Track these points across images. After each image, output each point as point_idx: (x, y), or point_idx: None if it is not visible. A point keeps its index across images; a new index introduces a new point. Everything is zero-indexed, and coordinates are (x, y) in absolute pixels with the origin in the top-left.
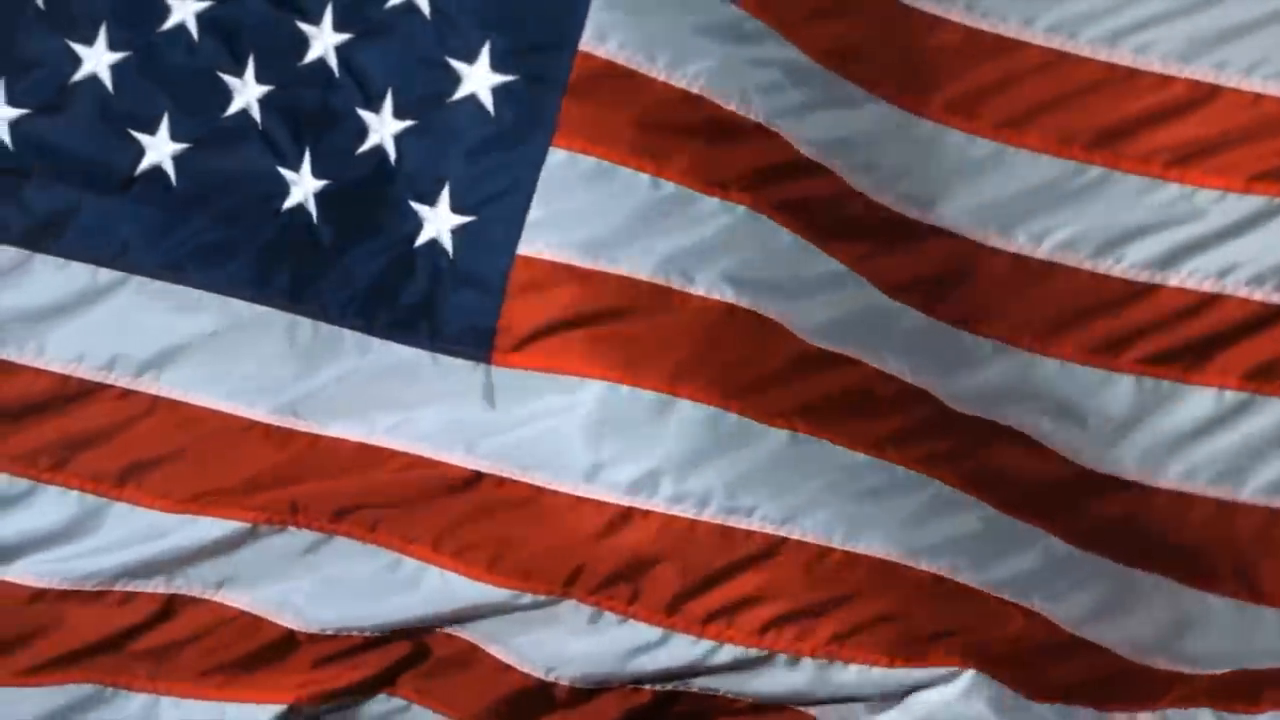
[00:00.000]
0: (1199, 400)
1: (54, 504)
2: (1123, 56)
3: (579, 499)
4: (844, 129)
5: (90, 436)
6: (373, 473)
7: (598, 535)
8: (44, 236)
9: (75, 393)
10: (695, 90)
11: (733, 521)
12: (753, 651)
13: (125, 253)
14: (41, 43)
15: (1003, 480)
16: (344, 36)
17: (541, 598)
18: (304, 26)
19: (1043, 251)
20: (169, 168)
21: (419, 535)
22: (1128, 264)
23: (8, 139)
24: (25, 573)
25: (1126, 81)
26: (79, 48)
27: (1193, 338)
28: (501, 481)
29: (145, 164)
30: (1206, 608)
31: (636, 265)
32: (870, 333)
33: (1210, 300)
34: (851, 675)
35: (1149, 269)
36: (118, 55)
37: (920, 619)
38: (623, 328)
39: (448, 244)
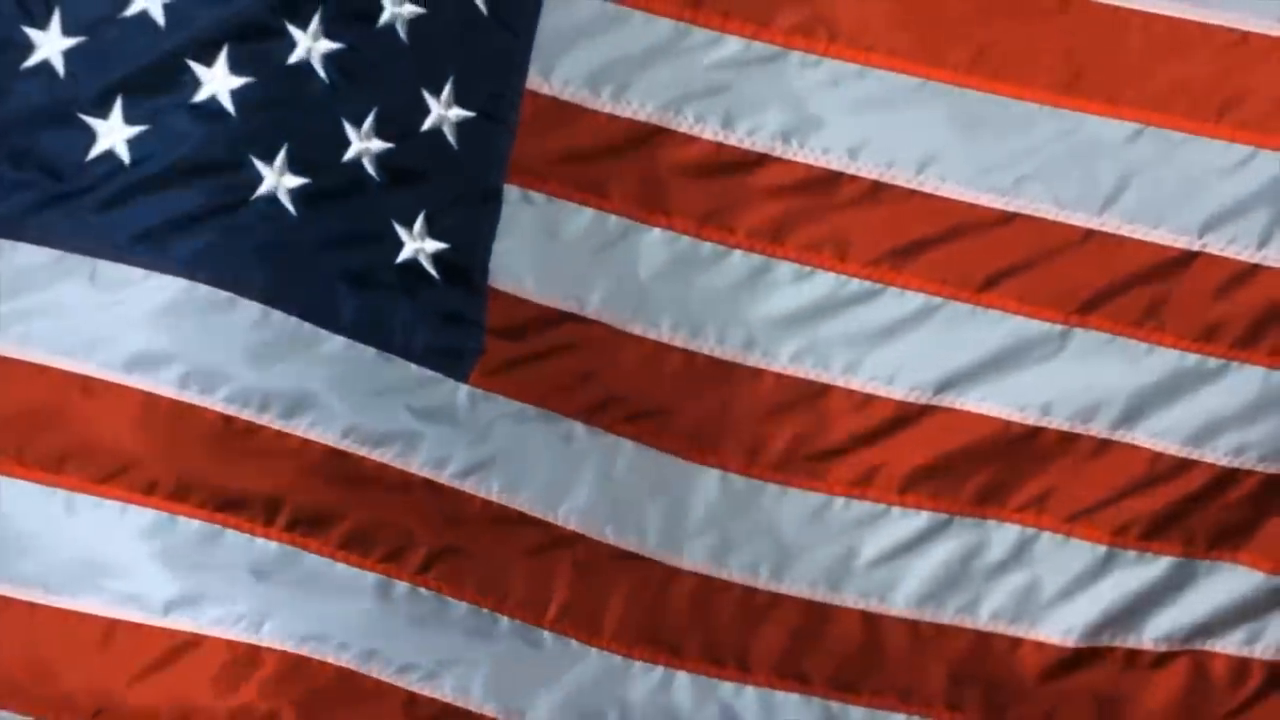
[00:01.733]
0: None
1: None
2: None
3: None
4: None
5: None
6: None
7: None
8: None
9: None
10: (641, 118)
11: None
12: None
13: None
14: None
15: None
16: (332, 45)
17: None
18: (292, 28)
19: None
20: (122, 151)
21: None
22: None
23: None
24: None
25: None
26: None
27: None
28: None
29: (99, 149)
30: None
31: (585, 300)
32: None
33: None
34: None
35: None
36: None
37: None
38: (575, 364)
39: (429, 267)
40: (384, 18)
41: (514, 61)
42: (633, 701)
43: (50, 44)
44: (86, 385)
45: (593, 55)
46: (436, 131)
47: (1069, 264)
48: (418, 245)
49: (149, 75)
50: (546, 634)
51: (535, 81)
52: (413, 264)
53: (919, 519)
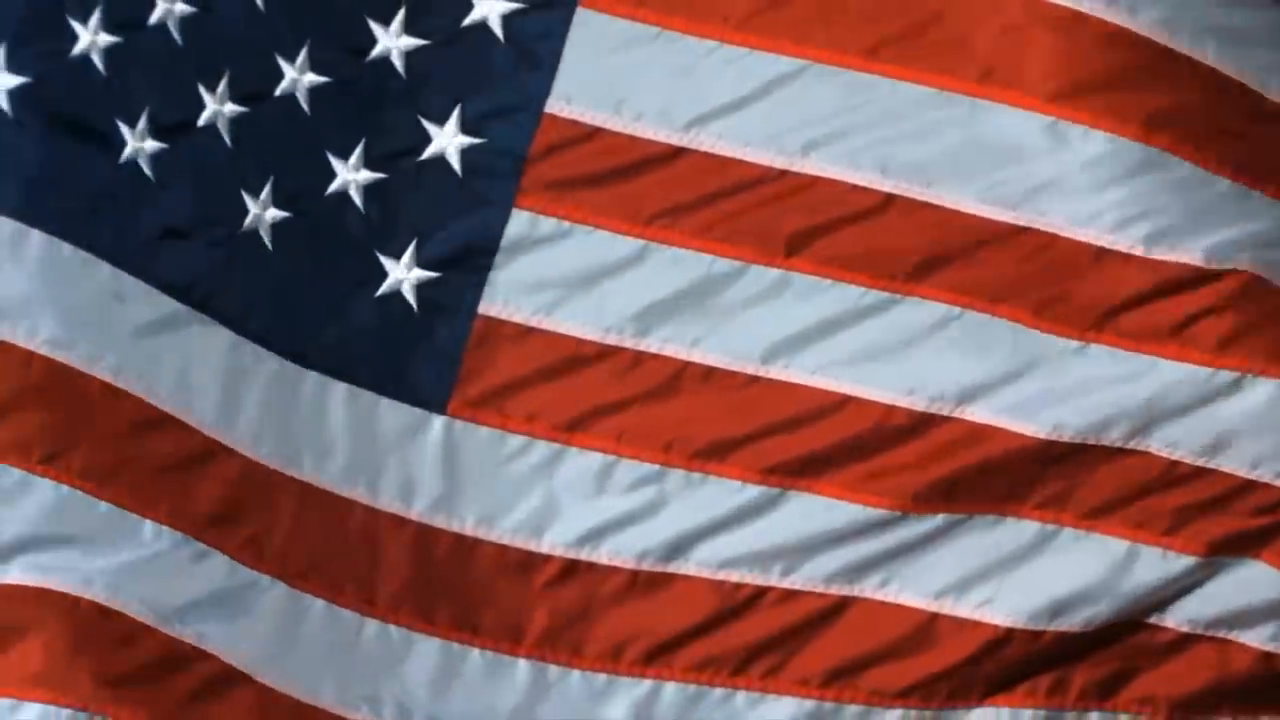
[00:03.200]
0: None
1: None
2: None
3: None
4: None
5: None
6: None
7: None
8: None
9: None
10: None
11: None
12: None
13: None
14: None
15: None
16: (319, 79)
17: None
18: (281, 61)
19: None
20: (144, 163)
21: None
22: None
23: (7, 106)
24: None
25: None
26: (76, 25)
27: None
28: None
29: (124, 156)
30: None
31: (591, 325)
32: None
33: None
34: None
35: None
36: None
37: None
38: (576, 385)
39: (410, 298)
40: (376, 51)
41: (531, 88)
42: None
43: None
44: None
45: (615, 80)
46: (439, 159)
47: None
48: (401, 276)
49: (170, 96)
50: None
51: (556, 105)
52: (394, 296)
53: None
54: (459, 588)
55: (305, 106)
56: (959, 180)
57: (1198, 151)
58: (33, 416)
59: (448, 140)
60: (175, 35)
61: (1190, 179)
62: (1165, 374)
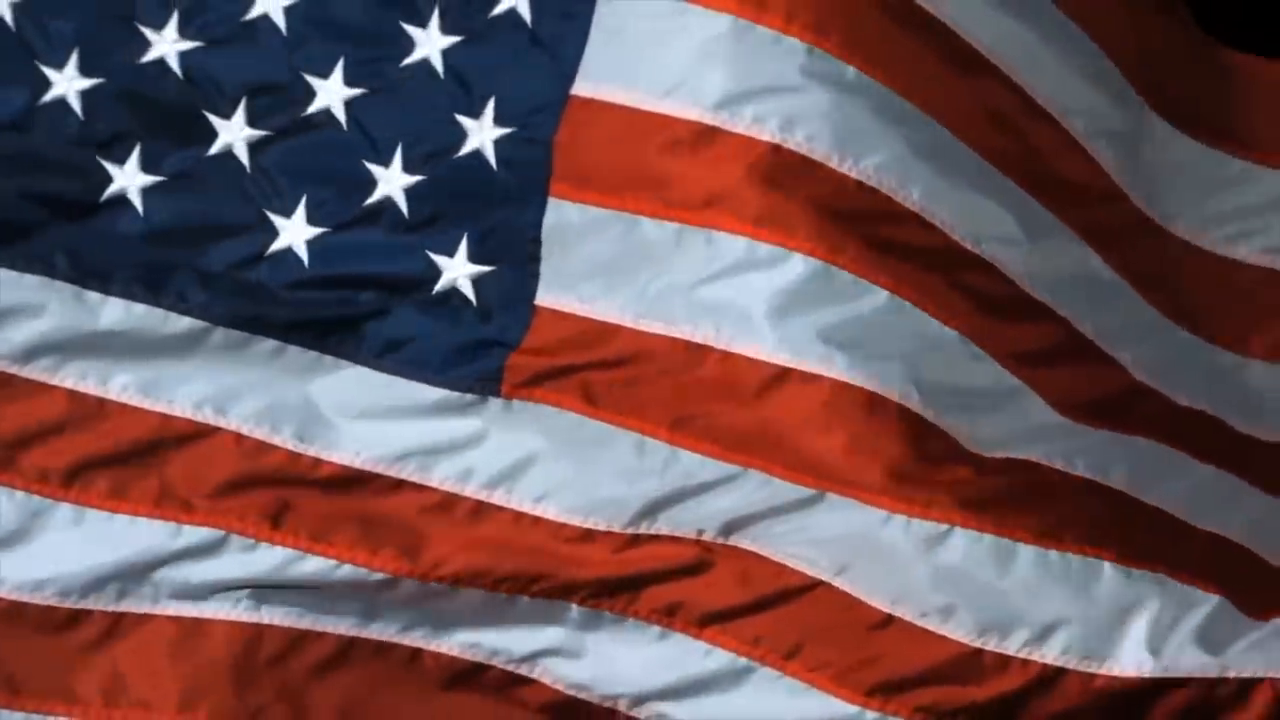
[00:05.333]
0: None
1: None
2: None
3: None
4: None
5: None
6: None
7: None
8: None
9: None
10: (692, 116)
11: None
12: None
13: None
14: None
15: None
16: (354, 92)
17: None
18: (311, 79)
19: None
20: (135, 198)
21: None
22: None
23: None
24: None
25: None
26: (49, 71)
27: None
28: None
29: (110, 192)
30: None
31: (636, 311)
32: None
33: None
34: None
35: None
36: (89, 81)
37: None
38: (632, 375)
39: (469, 292)
40: (414, 55)
41: (558, 76)
42: None
43: (66, 83)
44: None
45: (640, 58)
46: (476, 154)
47: None
48: (457, 272)
49: (169, 124)
50: None
51: (580, 87)
52: (451, 292)
53: None
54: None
55: (342, 121)
56: None
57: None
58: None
59: (483, 135)
60: (176, 70)
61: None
62: None
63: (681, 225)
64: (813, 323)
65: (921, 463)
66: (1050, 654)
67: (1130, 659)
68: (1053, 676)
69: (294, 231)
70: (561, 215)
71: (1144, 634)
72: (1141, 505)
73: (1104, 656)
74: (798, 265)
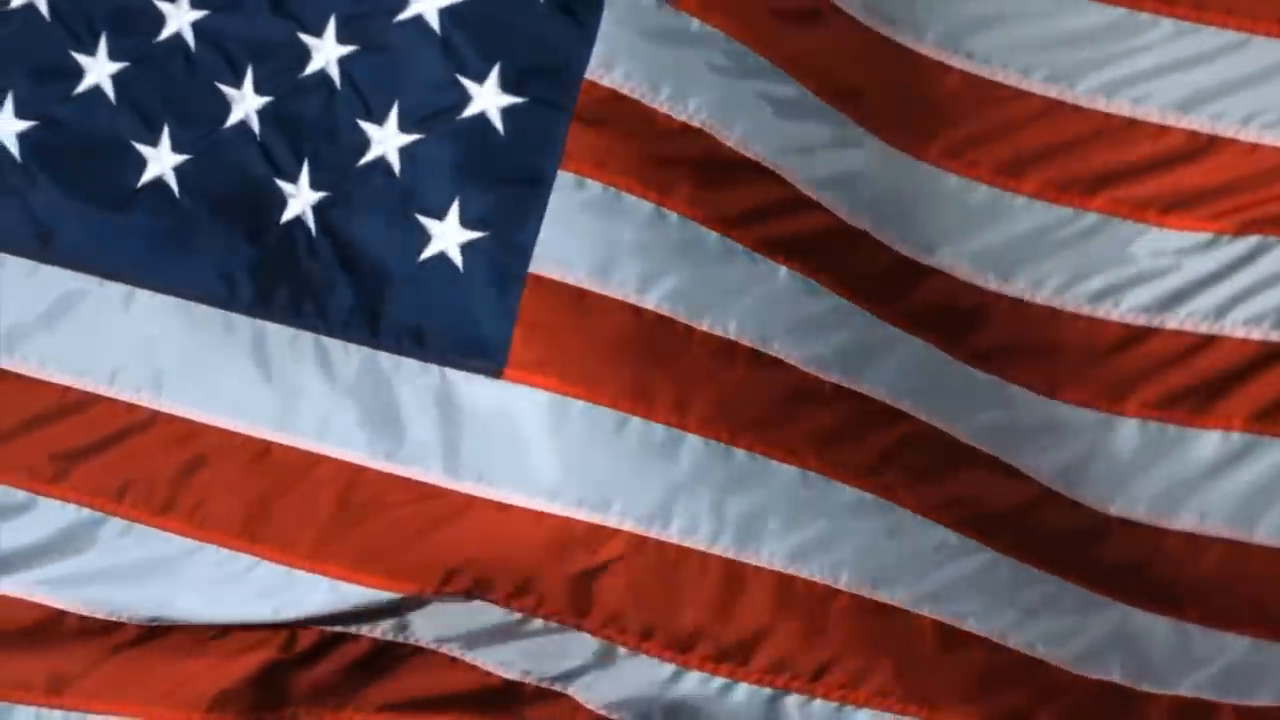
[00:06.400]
0: (1206, 442)
1: None
2: (1120, 107)
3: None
4: (844, 167)
5: None
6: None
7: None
8: (47, 246)
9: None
10: (696, 124)
11: (743, 558)
12: (765, 691)
13: (127, 265)
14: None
15: (1011, 525)
16: (347, 49)
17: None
18: (305, 38)
19: (1041, 297)
20: (171, 180)
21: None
22: (1126, 308)
23: (15, 151)
24: None
25: (1124, 131)
26: (82, 58)
27: (1194, 381)
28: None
29: (147, 176)
30: (1222, 645)
31: (642, 294)
32: (876, 368)
33: (1209, 341)
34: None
35: (1147, 313)
36: (118, 65)
37: (929, 667)
38: (628, 354)
39: (457, 259)
40: (408, 10)
41: (574, 48)
42: None
43: (98, 69)
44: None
45: (653, 54)
46: (479, 118)
47: None
48: (447, 238)
49: (187, 102)
50: None
51: (596, 72)
52: (440, 258)
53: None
54: None
55: (335, 79)
56: None
57: None
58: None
59: (488, 99)
60: (190, 43)
61: None
62: None
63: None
64: None
65: None
66: None
67: None
68: None
69: (302, 198)
70: (573, 188)
71: None
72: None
73: None
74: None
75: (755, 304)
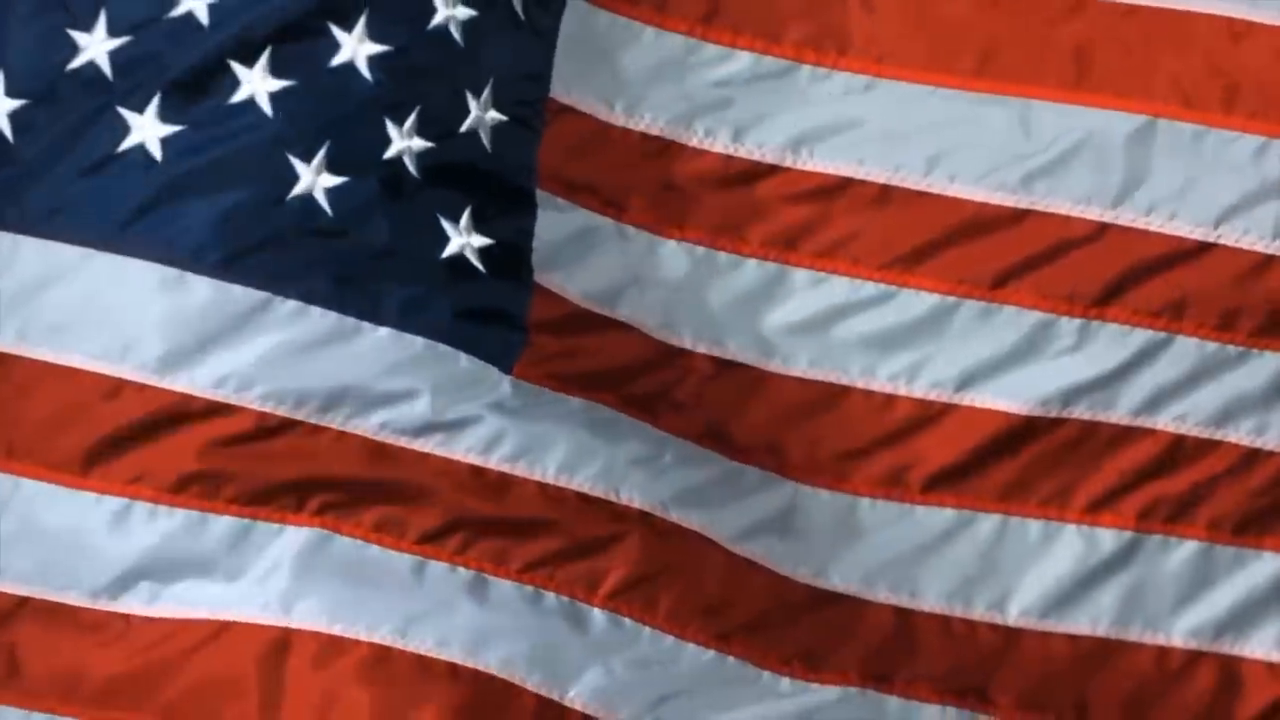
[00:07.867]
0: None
1: None
2: None
3: None
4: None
5: None
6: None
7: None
8: (38, 222)
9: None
10: (654, 132)
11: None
12: None
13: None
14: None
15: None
16: (378, 48)
17: None
18: (335, 30)
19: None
20: (155, 149)
21: None
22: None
23: (7, 130)
24: None
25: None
26: (77, 35)
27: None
28: None
29: (130, 142)
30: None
31: (616, 305)
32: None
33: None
34: None
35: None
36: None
37: None
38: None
39: (476, 262)
40: (436, 19)
41: (542, 69)
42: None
43: (96, 46)
44: (117, 387)
45: (605, 69)
46: (473, 133)
47: (1084, 258)
48: (464, 240)
49: (191, 75)
50: (597, 612)
51: (556, 90)
52: (459, 259)
53: (943, 516)
54: None
55: (366, 74)
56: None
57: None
58: None
59: (480, 115)
60: (203, 18)
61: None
62: None
63: None
64: None
65: None
66: None
67: None
68: None
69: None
70: (546, 206)
71: None
72: None
73: None
74: None
75: (717, 308)
